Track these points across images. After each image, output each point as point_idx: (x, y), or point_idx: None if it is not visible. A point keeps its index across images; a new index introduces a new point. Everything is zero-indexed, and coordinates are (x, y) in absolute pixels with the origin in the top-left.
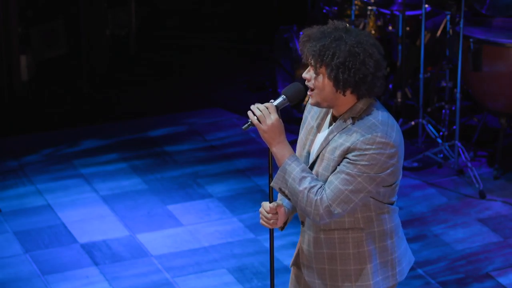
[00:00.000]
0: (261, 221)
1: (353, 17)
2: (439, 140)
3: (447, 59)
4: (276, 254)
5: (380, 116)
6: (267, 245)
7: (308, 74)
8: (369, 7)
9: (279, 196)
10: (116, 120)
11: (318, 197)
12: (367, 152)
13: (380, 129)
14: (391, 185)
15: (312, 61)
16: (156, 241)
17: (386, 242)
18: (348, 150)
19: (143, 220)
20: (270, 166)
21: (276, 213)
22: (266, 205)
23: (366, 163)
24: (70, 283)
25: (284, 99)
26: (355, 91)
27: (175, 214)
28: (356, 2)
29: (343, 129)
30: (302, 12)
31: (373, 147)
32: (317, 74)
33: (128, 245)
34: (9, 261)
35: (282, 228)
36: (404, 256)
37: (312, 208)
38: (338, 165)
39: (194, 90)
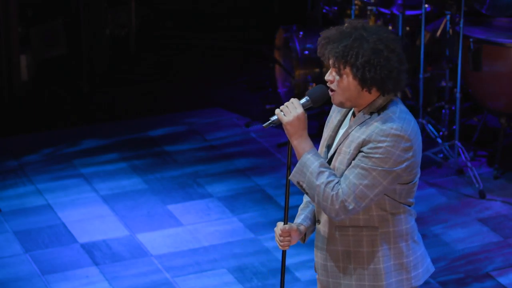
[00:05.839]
0: (275, 238)
1: (353, 17)
2: (439, 140)
3: (447, 59)
4: (276, 254)
5: (398, 111)
6: (267, 245)
7: (330, 76)
8: (369, 7)
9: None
10: (116, 120)
11: (334, 193)
12: (381, 145)
13: (396, 122)
14: (407, 183)
15: (335, 63)
16: (156, 241)
17: (401, 244)
18: (363, 143)
19: (143, 220)
20: (289, 160)
21: (289, 235)
22: (280, 225)
23: (380, 156)
24: (70, 283)
25: (307, 100)
26: (381, 88)
27: (175, 214)
28: (356, 2)
29: (361, 123)
30: (302, 12)
31: (388, 139)
32: (340, 75)
33: (128, 245)
34: (9, 261)
35: (303, 241)
36: (422, 262)
37: (328, 203)
38: (354, 158)
39: (194, 90)
